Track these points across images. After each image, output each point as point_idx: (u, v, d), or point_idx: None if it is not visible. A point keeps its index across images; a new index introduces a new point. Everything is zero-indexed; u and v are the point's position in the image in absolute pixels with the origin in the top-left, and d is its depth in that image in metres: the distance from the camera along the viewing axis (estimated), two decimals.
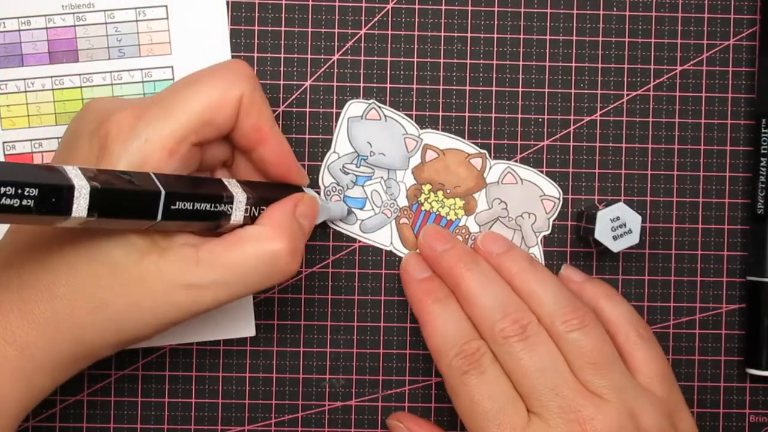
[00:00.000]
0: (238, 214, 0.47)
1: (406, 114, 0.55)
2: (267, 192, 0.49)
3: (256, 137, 0.48)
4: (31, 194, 0.38)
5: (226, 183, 0.47)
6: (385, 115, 0.55)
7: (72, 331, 0.45)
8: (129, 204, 0.42)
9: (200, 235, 0.47)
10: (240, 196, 0.47)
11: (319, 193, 0.54)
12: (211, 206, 0.45)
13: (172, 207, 0.43)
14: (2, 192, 0.37)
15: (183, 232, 0.46)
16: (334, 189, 0.55)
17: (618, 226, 0.52)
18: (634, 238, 0.52)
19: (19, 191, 0.37)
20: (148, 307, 0.45)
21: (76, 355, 0.46)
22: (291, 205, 0.48)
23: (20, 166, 0.39)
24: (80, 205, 0.40)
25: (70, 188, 0.39)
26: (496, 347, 0.49)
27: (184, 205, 0.44)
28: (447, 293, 0.52)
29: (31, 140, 0.54)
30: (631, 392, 0.49)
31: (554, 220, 0.56)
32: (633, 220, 0.52)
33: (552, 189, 0.55)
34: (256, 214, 0.48)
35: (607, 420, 0.47)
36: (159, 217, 0.43)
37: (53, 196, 0.39)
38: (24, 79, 0.54)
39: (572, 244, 0.56)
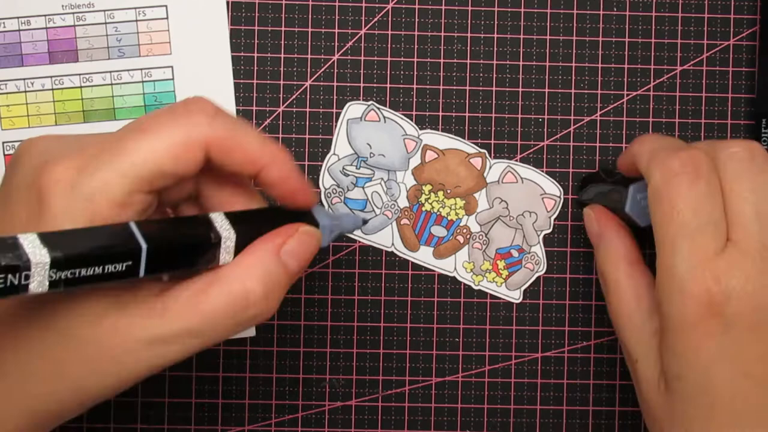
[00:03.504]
0: (225, 256, 0.41)
1: (405, 114, 0.55)
2: (260, 221, 0.43)
3: (252, 168, 0.42)
4: None
5: (213, 221, 0.41)
6: (384, 116, 0.55)
7: (26, 404, 0.40)
8: (102, 268, 0.36)
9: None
10: (228, 238, 0.41)
11: (321, 201, 0.54)
12: (196, 253, 0.40)
13: (154, 262, 0.38)
14: None
15: (151, 280, 0.40)
16: (334, 191, 0.55)
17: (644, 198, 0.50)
18: None
19: None
20: (108, 370, 0.40)
21: (32, 426, 0.41)
22: (274, 242, 0.42)
23: None
24: (39, 282, 0.35)
25: (26, 265, 0.34)
26: (724, 164, 0.46)
27: (168, 258, 0.39)
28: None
29: None
30: None
31: (555, 219, 0.56)
32: None
33: (553, 187, 0.55)
34: None
35: None
36: (141, 274, 0.38)
37: (5, 277, 0.34)
38: (24, 79, 0.54)
39: (573, 243, 0.56)
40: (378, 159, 0.55)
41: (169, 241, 0.39)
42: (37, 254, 0.35)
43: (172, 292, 0.40)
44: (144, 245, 0.37)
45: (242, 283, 0.40)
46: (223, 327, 0.40)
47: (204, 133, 0.40)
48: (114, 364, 0.40)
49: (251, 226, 0.42)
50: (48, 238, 0.35)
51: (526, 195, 0.55)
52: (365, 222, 0.51)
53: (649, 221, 0.48)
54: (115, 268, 0.37)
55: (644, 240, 0.53)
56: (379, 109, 0.55)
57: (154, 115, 0.40)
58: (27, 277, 0.34)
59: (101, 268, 0.36)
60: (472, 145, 0.55)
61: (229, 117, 0.41)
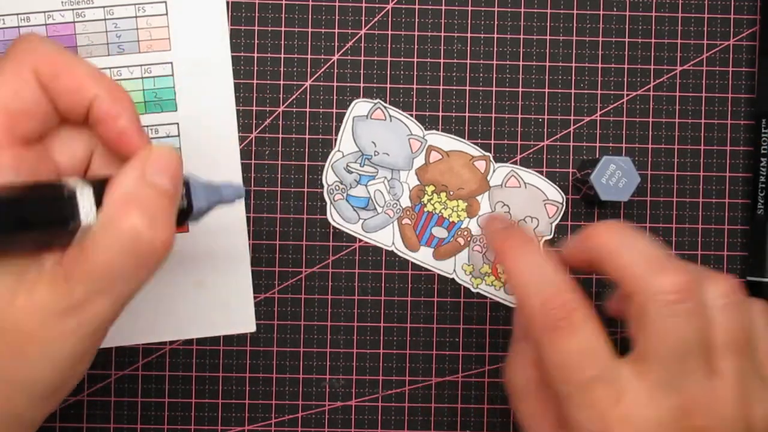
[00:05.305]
0: (86, 206, 0.38)
1: (406, 114, 0.55)
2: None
3: (80, 98, 0.40)
4: None
5: (65, 179, 0.39)
6: (390, 115, 0.55)
7: None
8: None
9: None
10: (83, 188, 0.38)
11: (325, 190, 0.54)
12: (50, 207, 0.37)
13: (4, 219, 0.36)
14: None
15: (50, 252, 0.38)
16: (337, 188, 0.54)
17: (616, 176, 0.52)
18: (623, 194, 0.52)
19: None
20: (37, 354, 0.37)
21: None
22: (135, 167, 0.39)
23: None
24: None
25: None
26: (649, 305, 0.42)
27: (18, 215, 0.36)
28: (531, 239, 0.46)
29: None
30: (756, 384, 0.43)
31: (557, 225, 0.56)
32: (632, 178, 0.52)
33: (555, 194, 0.55)
34: None
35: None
36: None
37: None
38: None
39: None
40: (382, 157, 0.55)
41: (17, 197, 0.37)
42: None
43: (66, 257, 0.38)
44: None
45: (121, 221, 0.37)
46: (128, 273, 0.38)
47: (29, 59, 0.39)
48: (39, 346, 0.37)
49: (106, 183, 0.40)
50: None
51: (528, 200, 0.55)
52: (248, 192, 0.50)
53: (609, 196, 0.52)
54: None
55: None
56: (385, 107, 0.55)
57: None
58: None
59: None
60: (477, 147, 0.55)
61: (58, 45, 0.40)
